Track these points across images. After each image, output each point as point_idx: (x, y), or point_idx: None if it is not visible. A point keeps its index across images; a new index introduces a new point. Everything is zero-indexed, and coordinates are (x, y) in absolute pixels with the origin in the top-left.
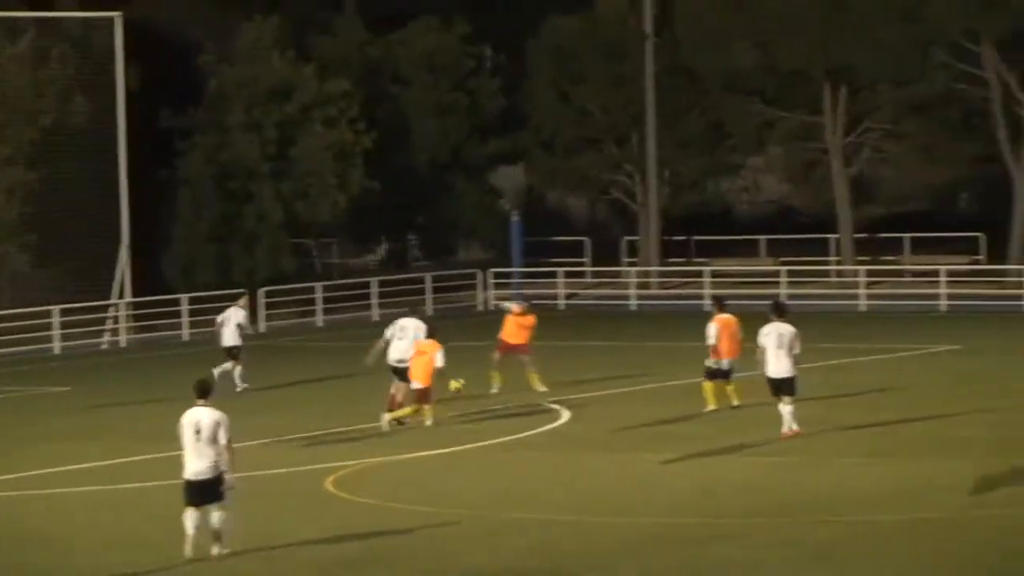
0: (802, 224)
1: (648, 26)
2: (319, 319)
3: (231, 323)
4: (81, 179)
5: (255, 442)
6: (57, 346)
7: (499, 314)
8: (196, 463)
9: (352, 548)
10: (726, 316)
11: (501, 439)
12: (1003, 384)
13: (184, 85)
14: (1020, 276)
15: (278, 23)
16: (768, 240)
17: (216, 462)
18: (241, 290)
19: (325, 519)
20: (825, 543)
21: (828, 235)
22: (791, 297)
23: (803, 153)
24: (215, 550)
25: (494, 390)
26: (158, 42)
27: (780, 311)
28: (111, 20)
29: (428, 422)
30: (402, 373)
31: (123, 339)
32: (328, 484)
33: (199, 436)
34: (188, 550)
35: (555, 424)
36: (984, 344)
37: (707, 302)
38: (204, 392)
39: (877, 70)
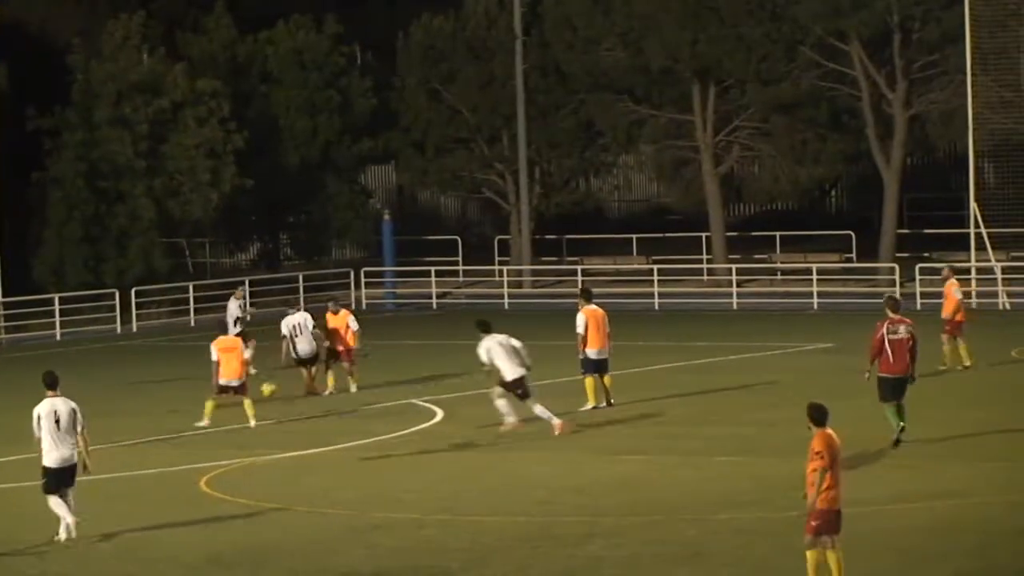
0: (674, 223)
1: (517, 26)
2: (191, 319)
3: (231, 317)
4: None
5: (131, 442)
6: None
7: (372, 313)
8: (61, 450)
9: (224, 547)
10: (592, 307)
11: (375, 438)
12: (873, 382)
13: (53, 85)
14: (891, 274)
15: (145, 20)
16: (639, 239)
17: (76, 449)
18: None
19: (198, 518)
20: (697, 541)
21: (700, 233)
22: (663, 295)
23: (674, 152)
24: (64, 535)
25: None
26: (25, 42)
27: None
28: None
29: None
30: (308, 362)
31: None
32: (202, 484)
33: (59, 425)
34: (63, 534)
35: (428, 423)
36: (856, 342)
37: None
38: (53, 383)
39: (744, 69)
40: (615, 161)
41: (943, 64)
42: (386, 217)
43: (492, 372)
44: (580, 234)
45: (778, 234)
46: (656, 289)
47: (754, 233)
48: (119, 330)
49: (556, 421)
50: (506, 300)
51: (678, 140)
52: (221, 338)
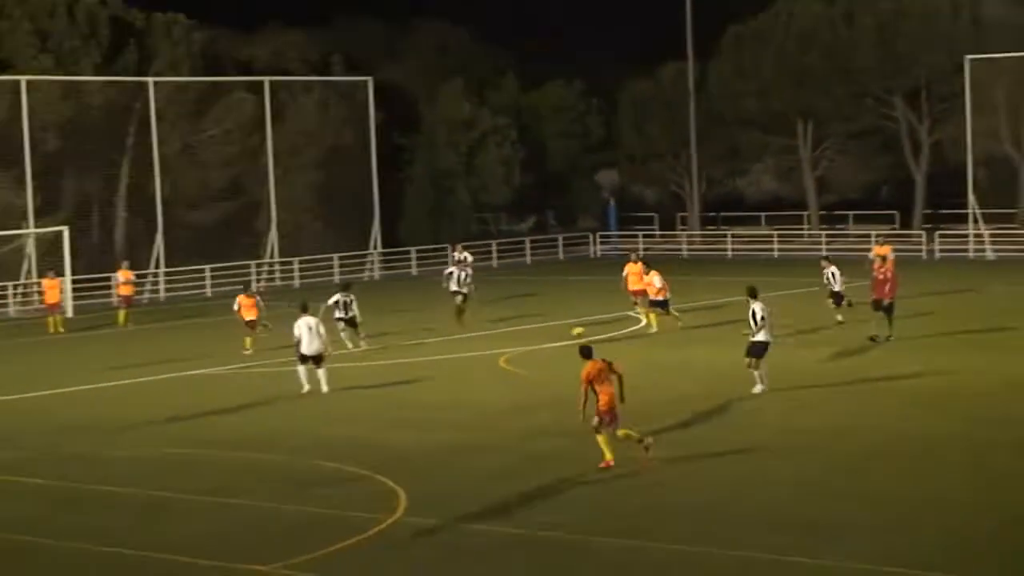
0: (785, 205)
1: (691, 87)
2: (494, 262)
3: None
4: (351, 178)
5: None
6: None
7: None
8: (313, 345)
9: (520, 398)
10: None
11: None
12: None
13: (409, 121)
14: (919, 239)
15: (464, 83)
16: (766, 215)
17: (322, 345)
18: (462, 243)
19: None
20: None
21: (801, 212)
22: (780, 250)
23: (786, 163)
24: (308, 387)
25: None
26: (393, 94)
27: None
28: (366, 82)
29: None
30: (461, 296)
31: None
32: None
33: (310, 331)
34: (307, 386)
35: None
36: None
37: (729, 253)
38: (305, 308)
39: (829, 112)
40: (750, 168)
41: (953, 109)
42: (611, 202)
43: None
44: (729, 212)
45: (850, 213)
46: (776, 246)
47: (835, 212)
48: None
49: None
50: (685, 252)
51: (789, 155)
52: None
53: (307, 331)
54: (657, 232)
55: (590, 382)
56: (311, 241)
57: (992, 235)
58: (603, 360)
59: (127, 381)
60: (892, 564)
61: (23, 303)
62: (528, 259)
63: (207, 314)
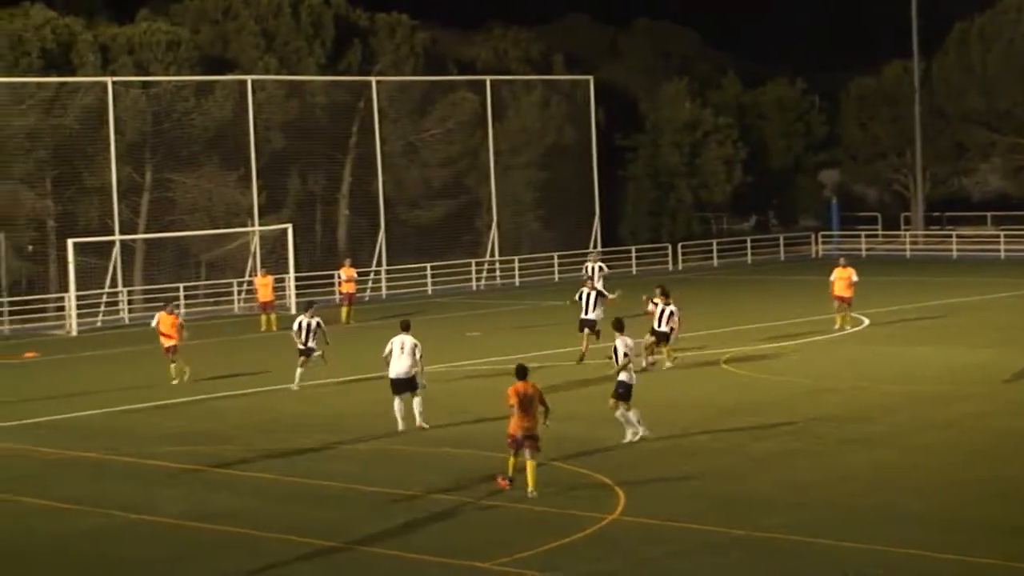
0: (1013, 204)
1: (916, 83)
2: (714, 261)
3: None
4: (571, 176)
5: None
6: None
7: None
8: (399, 365)
9: (739, 398)
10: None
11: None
12: None
13: (631, 120)
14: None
15: (686, 82)
16: (992, 215)
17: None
18: (595, 250)
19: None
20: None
21: None
22: (1008, 251)
23: (1014, 161)
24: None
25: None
26: (614, 95)
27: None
28: (588, 81)
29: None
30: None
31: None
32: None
33: (403, 350)
34: (401, 425)
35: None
36: None
37: (954, 254)
38: (406, 326)
39: None
40: (977, 167)
41: None
42: (833, 201)
43: None
44: (954, 212)
45: None
46: (1003, 246)
47: None
48: (671, 268)
49: None
50: (908, 252)
51: (1016, 154)
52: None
53: (399, 350)
54: (880, 232)
55: (519, 399)
56: (531, 239)
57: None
58: (533, 386)
59: (347, 379)
60: None
61: (248, 300)
62: (749, 259)
63: (426, 311)
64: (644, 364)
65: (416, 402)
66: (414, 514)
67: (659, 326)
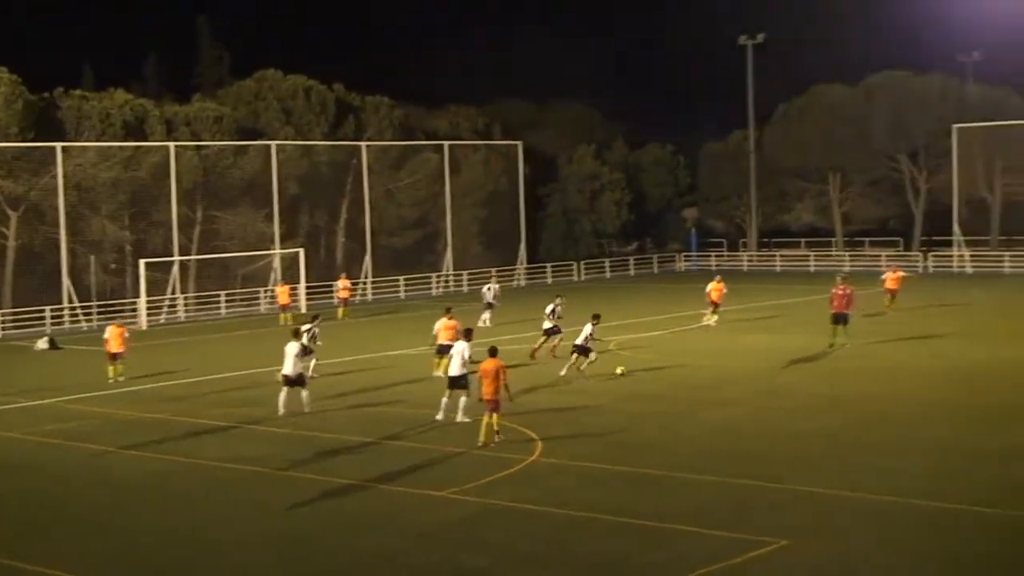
0: (820, 233)
1: (751, 147)
2: (607, 274)
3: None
4: (505, 214)
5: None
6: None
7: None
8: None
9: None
10: None
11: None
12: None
13: (548, 173)
14: (917, 259)
15: (592, 147)
16: (805, 240)
17: (464, 366)
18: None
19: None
20: None
21: (831, 238)
22: None
23: (820, 203)
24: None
25: None
26: (537, 154)
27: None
28: (517, 145)
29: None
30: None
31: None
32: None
33: (452, 355)
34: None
35: None
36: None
37: (777, 267)
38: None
39: (852, 165)
40: (794, 206)
41: (943, 164)
42: (693, 230)
43: None
44: (777, 238)
45: (867, 239)
46: (812, 262)
47: (856, 238)
48: (575, 279)
49: None
50: (745, 266)
51: (821, 197)
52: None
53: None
54: (725, 252)
55: (483, 372)
56: (475, 259)
57: (971, 255)
58: (495, 363)
59: (351, 358)
60: None
61: (271, 303)
62: (632, 272)
63: (402, 311)
64: (564, 372)
65: (463, 400)
66: (398, 459)
67: (581, 341)
